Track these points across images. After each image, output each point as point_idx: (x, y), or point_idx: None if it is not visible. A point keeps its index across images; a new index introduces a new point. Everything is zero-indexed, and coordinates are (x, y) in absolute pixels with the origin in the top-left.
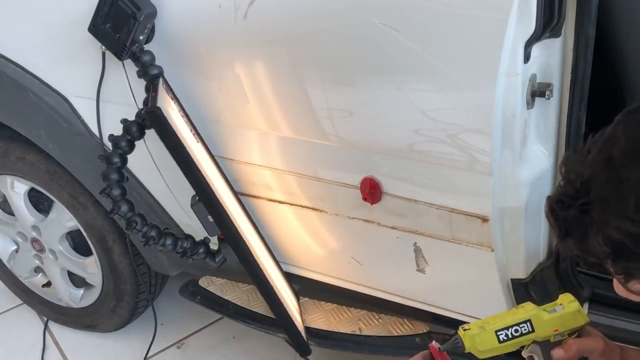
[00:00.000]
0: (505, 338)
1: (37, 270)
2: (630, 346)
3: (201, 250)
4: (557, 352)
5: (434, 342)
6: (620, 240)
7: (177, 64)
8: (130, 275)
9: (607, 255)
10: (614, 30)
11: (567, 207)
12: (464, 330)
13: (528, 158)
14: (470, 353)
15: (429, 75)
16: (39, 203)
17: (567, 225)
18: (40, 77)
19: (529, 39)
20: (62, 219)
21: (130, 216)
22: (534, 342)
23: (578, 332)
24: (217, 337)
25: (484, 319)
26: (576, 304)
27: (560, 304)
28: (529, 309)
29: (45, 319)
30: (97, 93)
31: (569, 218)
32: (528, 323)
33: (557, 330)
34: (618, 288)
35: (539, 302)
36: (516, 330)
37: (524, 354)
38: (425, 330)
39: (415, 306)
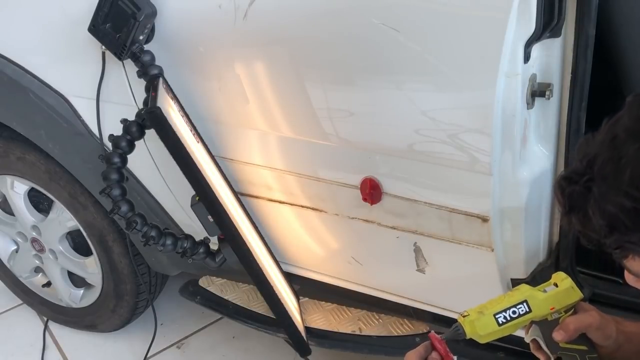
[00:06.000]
0: (504, 320)
1: (37, 270)
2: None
3: (201, 250)
4: (558, 334)
5: (432, 331)
6: (614, 213)
7: (177, 64)
8: (130, 275)
9: (603, 229)
10: (614, 30)
11: (574, 183)
12: (463, 316)
13: (528, 158)
14: (470, 343)
15: (429, 75)
16: (39, 203)
17: (572, 201)
18: (40, 77)
19: (529, 39)
20: (62, 219)
21: (130, 216)
22: (533, 322)
23: (574, 309)
24: (217, 337)
25: (481, 304)
26: (569, 280)
27: (554, 283)
28: (524, 290)
29: (45, 319)
30: (97, 93)
31: (574, 194)
32: (525, 304)
33: (553, 308)
34: (627, 277)
35: None
36: (514, 312)
37: (527, 339)
38: (425, 330)
39: (416, 306)
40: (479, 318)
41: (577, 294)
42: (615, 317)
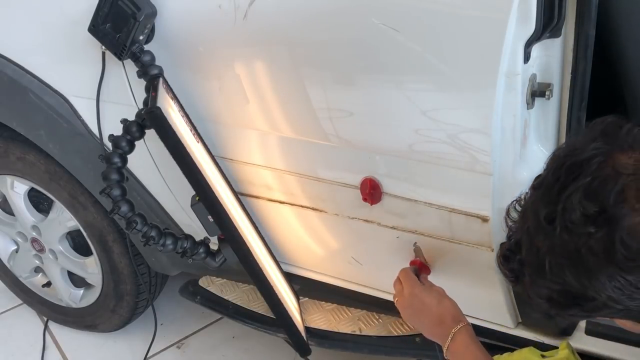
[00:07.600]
0: None
1: (37, 270)
2: None
3: (201, 250)
4: None
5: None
6: (548, 295)
7: (177, 64)
8: (130, 275)
9: (545, 305)
10: (614, 30)
11: (511, 262)
12: None
13: (528, 158)
14: None
15: (429, 75)
16: (39, 203)
17: (514, 275)
18: (40, 77)
19: (529, 39)
20: (62, 219)
21: (130, 216)
22: None
23: None
24: (217, 337)
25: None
26: (566, 352)
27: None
28: (525, 352)
29: (45, 319)
30: (97, 93)
31: (514, 270)
32: None
33: None
34: None
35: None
36: None
37: None
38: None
39: None
40: None
41: None
42: None
